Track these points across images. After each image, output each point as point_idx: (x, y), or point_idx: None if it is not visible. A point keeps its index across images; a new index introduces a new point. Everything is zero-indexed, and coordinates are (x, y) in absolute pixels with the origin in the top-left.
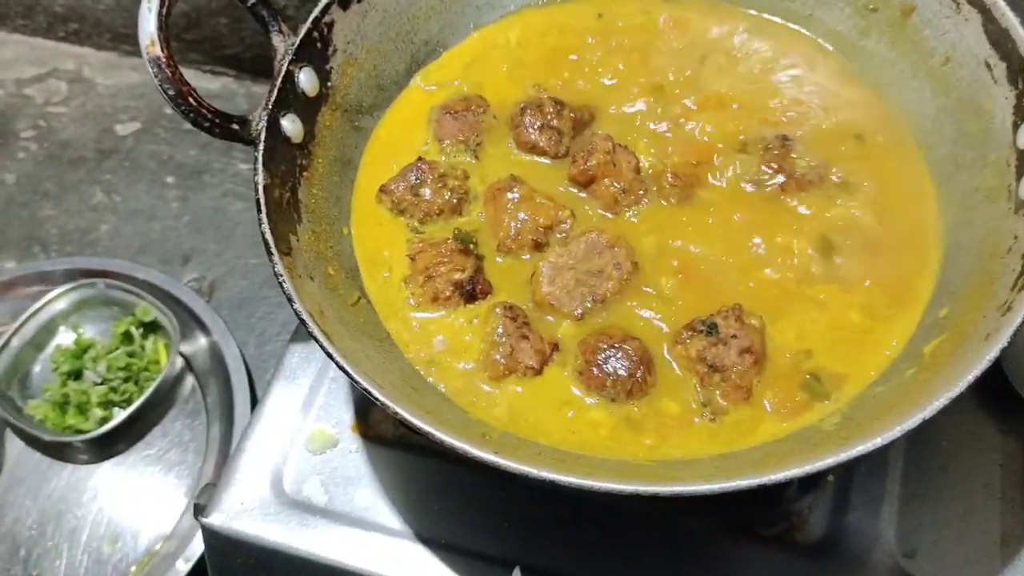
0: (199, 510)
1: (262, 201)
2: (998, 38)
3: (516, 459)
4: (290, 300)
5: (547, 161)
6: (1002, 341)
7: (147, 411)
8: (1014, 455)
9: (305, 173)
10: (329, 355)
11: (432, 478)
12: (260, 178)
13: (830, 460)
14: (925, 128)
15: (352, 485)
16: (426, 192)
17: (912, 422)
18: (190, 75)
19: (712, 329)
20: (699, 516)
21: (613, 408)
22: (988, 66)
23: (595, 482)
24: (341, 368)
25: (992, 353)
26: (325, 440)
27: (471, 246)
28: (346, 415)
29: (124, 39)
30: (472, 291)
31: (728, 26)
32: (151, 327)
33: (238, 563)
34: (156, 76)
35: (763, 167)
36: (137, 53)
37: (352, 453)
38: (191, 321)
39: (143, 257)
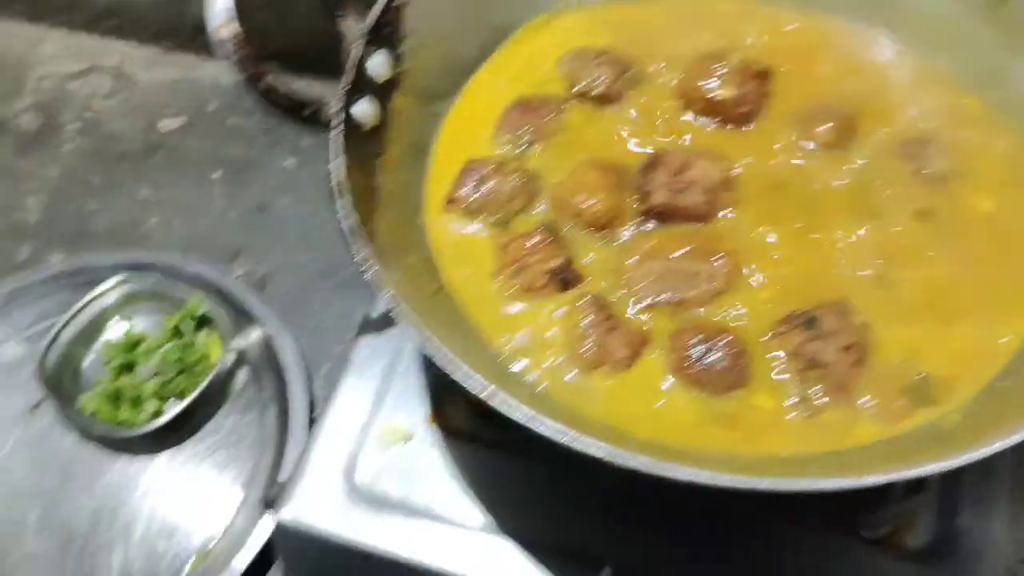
0: (269, 505)
1: (344, 187)
2: None
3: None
4: (377, 286)
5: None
6: None
7: (201, 405)
8: None
9: (379, 160)
10: (425, 342)
11: (511, 474)
12: (338, 163)
13: (961, 459)
14: None
15: (428, 480)
16: (494, 188)
17: None
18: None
19: (812, 323)
20: (799, 519)
21: (704, 402)
22: None
23: (757, 479)
24: (436, 356)
25: None
26: (398, 434)
27: (560, 235)
28: (419, 409)
29: (165, 35)
30: (566, 279)
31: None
32: (202, 321)
33: (311, 557)
34: (233, 55)
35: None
36: (178, 49)
37: (427, 448)
38: (243, 315)
39: (191, 252)
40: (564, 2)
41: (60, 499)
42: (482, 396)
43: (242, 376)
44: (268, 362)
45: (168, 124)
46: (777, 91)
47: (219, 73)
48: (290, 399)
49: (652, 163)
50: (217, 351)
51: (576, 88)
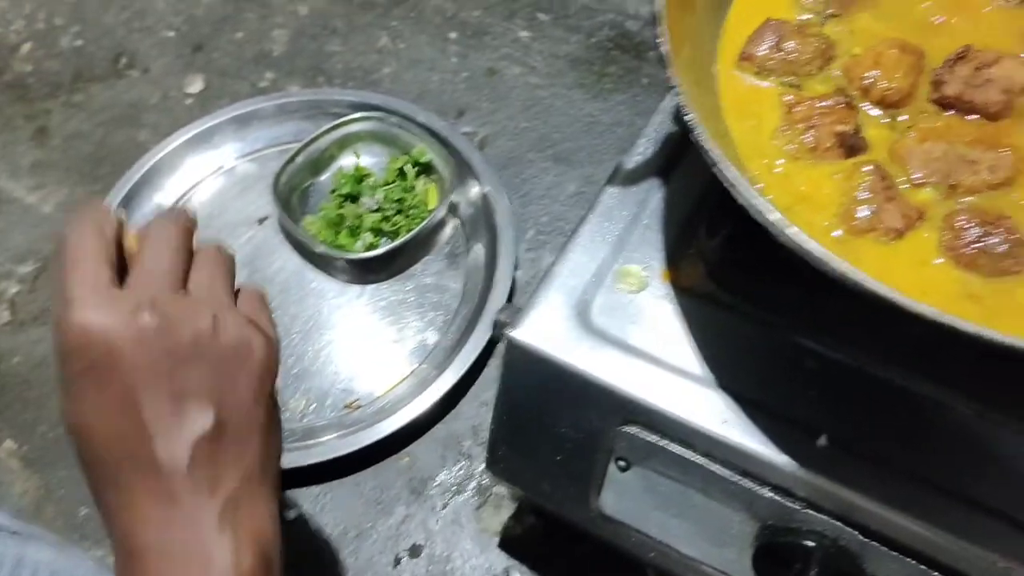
0: (499, 326)
1: (661, 16)
2: None
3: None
4: (681, 109)
5: None
6: None
7: (411, 247)
8: None
9: (688, 3)
10: (724, 168)
11: (738, 336)
12: None
13: None
14: None
15: (655, 327)
16: (793, 49)
17: None
18: None
19: None
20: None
21: (965, 280)
22: None
23: None
24: (738, 185)
25: None
26: (634, 279)
27: (853, 102)
28: (656, 262)
29: None
30: (854, 146)
31: None
32: (424, 169)
33: (533, 381)
34: None
35: None
36: None
37: (658, 299)
38: (464, 170)
39: (420, 104)
40: None
41: (275, 307)
42: (773, 229)
43: (452, 227)
44: (482, 218)
45: None
46: None
47: None
48: (498, 256)
49: (959, 56)
50: (434, 199)
51: None
